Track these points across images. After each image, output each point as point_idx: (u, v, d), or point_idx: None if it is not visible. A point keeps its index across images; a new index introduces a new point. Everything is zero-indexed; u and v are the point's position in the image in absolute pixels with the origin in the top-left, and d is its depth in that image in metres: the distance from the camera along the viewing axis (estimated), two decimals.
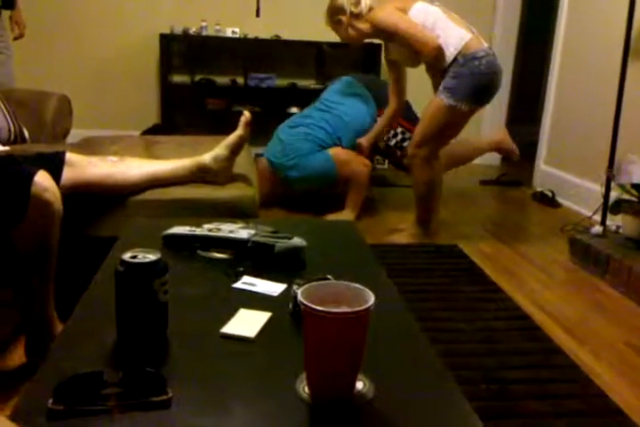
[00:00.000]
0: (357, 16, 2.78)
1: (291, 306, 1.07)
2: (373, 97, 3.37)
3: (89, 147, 2.25)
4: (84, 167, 1.79)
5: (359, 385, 0.86)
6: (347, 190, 3.17)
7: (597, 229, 2.75)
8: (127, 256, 0.94)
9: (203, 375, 0.88)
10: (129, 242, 1.35)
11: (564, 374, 1.75)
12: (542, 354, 1.86)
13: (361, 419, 0.81)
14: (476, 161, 3.96)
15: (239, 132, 1.96)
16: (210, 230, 1.36)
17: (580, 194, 3.50)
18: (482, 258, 2.71)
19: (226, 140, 1.96)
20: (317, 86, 4.35)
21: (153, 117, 4.34)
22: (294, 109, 4.18)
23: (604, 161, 2.87)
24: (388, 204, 3.55)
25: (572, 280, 2.55)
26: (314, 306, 0.79)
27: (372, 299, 0.82)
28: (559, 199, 3.66)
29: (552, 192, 3.71)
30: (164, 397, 0.80)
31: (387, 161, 4.40)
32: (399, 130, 3.56)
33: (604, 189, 2.84)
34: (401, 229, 2.97)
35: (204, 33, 4.15)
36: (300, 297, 0.81)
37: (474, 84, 2.59)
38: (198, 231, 1.36)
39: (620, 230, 2.68)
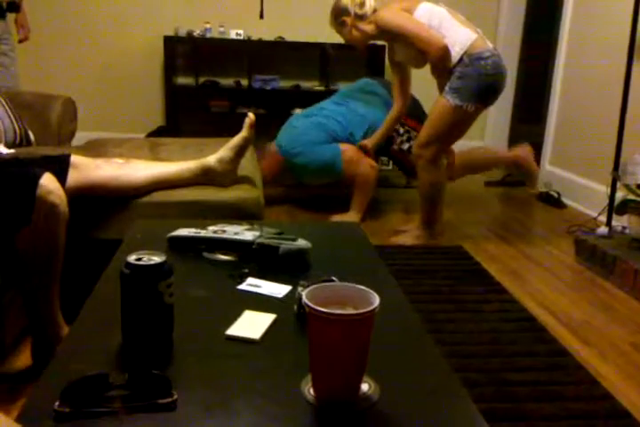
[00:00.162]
0: (362, 17, 2.78)
1: (295, 308, 1.06)
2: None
3: (94, 149, 2.26)
4: (89, 170, 1.79)
5: (364, 387, 0.86)
6: (352, 192, 3.17)
7: (603, 229, 2.74)
8: (132, 258, 0.94)
9: (208, 377, 0.88)
10: (134, 244, 1.35)
11: (569, 375, 1.74)
12: (548, 356, 1.85)
13: (366, 421, 0.81)
14: None
15: (243, 133, 1.96)
16: (215, 232, 1.36)
17: (586, 194, 3.48)
18: (487, 259, 2.71)
19: (230, 142, 1.96)
20: (321, 88, 4.35)
21: (157, 120, 4.35)
22: (298, 111, 4.18)
23: (609, 161, 2.86)
24: (393, 205, 3.55)
25: (578, 281, 2.54)
26: (318, 308, 0.79)
27: (376, 300, 0.82)
28: (565, 200, 3.65)
29: (557, 193, 3.70)
30: (170, 399, 0.80)
31: (391, 162, 4.40)
32: (413, 134, 3.53)
33: (609, 190, 2.84)
34: (405, 231, 2.96)
35: (208, 35, 4.16)
36: (304, 299, 0.81)
37: (479, 84, 2.59)
38: (203, 233, 1.36)
39: (626, 231, 2.67)
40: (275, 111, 4.31)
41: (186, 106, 4.29)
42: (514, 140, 4.66)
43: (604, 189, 2.96)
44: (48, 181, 1.53)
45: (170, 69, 4.18)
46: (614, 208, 2.72)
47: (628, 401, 1.63)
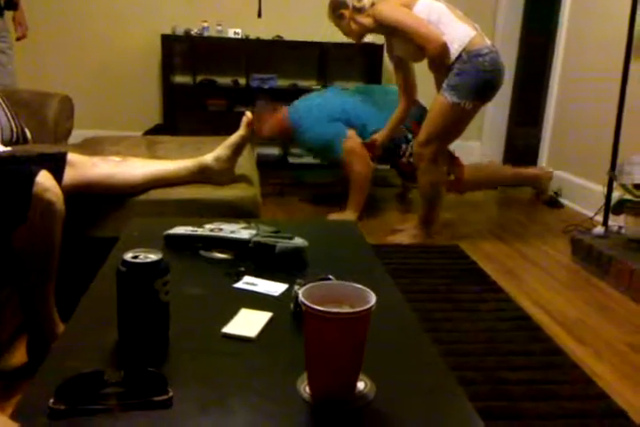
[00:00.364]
0: (360, 10, 2.77)
1: (292, 306, 1.07)
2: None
3: (91, 147, 2.25)
4: (85, 167, 1.79)
5: (360, 385, 0.86)
6: (348, 190, 3.18)
7: (599, 229, 2.75)
8: (129, 256, 0.94)
9: (204, 375, 0.88)
10: (130, 242, 1.35)
11: (565, 374, 1.74)
12: (543, 355, 1.85)
13: (362, 419, 0.81)
14: (477, 161, 3.96)
15: (241, 132, 1.96)
16: (211, 230, 1.36)
17: (583, 194, 3.49)
18: (483, 258, 2.71)
19: (228, 141, 1.96)
20: (318, 87, 4.35)
21: (155, 118, 4.34)
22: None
23: (606, 162, 2.87)
24: (390, 204, 3.55)
25: (574, 281, 2.55)
26: (315, 306, 0.79)
27: (373, 299, 0.82)
28: (562, 200, 3.66)
29: (555, 193, 3.71)
30: (165, 396, 0.80)
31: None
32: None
33: (606, 190, 2.84)
34: (402, 230, 2.97)
35: (206, 34, 4.16)
36: (301, 297, 0.81)
37: (477, 81, 2.59)
38: (200, 231, 1.36)
39: (622, 231, 2.67)
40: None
41: (183, 104, 4.28)
42: (511, 141, 4.66)
43: (600, 189, 2.97)
44: (44, 178, 1.53)
45: (167, 68, 4.18)
46: (611, 208, 2.73)
47: (623, 400, 1.63)
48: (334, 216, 3.11)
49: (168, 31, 4.15)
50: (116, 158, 1.89)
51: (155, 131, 3.98)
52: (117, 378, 0.81)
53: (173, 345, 0.96)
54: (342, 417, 0.81)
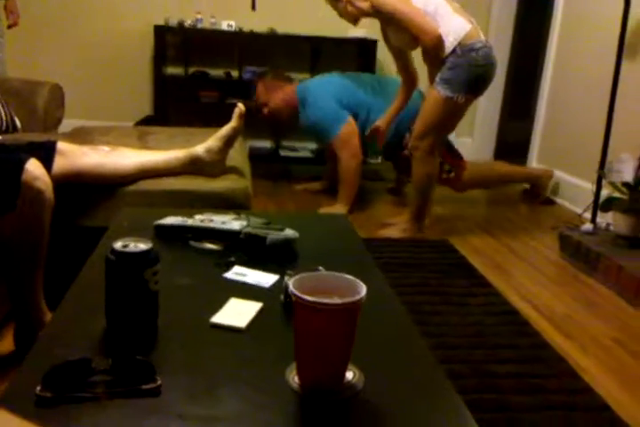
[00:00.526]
0: None
1: (282, 297, 1.07)
2: None
3: (81, 136, 2.24)
4: (75, 156, 1.78)
5: (349, 375, 0.86)
6: (338, 184, 3.18)
7: (588, 226, 2.76)
8: (118, 245, 0.93)
9: (192, 364, 0.88)
10: (120, 231, 1.34)
11: (551, 368, 1.76)
12: (530, 349, 1.87)
13: (350, 409, 0.81)
14: (468, 158, 3.97)
15: (233, 124, 1.95)
16: (202, 221, 1.36)
17: (573, 192, 3.51)
18: (472, 253, 2.72)
19: (219, 132, 1.95)
20: None
21: (146, 109, 4.31)
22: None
23: (596, 159, 2.88)
24: (380, 198, 3.56)
25: (562, 276, 2.57)
26: (305, 296, 0.79)
27: (363, 290, 0.82)
28: (552, 197, 3.67)
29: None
30: (153, 385, 0.80)
31: (381, 157, 4.40)
32: None
33: (595, 187, 2.86)
34: (393, 224, 2.97)
35: (199, 25, 4.13)
36: (291, 287, 0.81)
37: (469, 76, 2.60)
38: (190, 222, 1.36)
39: (611, 228, 2.69)
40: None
41: (175, 96, 4.26)
42: (502, 138, 4.68)
43: (590, 187, 2.98)
44: (34, 166, 1.52)
45: (160, 59, 4.15)
46: (599, 205, 2.75)
47: (607, 394, 1.65)
48: (325, 209, 3.12)
49: (161, 22, 4.12)
50: (107, 148, 1.88)
51: (145, 122, 3.95)
52: (105, 366, 0.81)
53: (162, 334, 0.95)
54: (330, 407, 0.81)
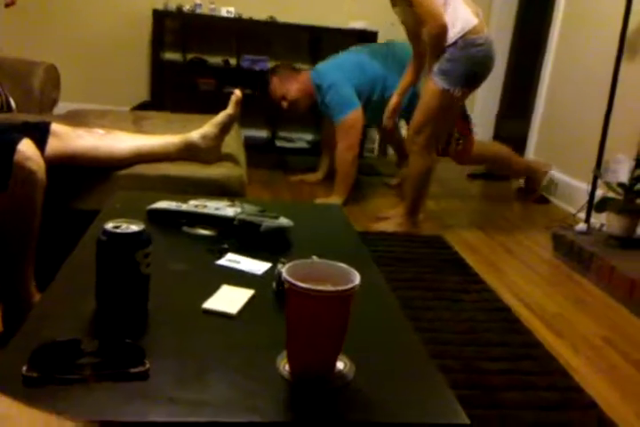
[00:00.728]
0: None
1: (274, 285, 1.05)
2: None
3: (76, 119, 2.21)
4: (69, 138, 1.75)
5: (340, 365, 0.85)
6: (335, 175, 3.18)
7: (582, 226, 2.76)
8: (110, 226, 0.92)
9: (182, 349, 0.86)
10: (112, 214, 1.32)
11: (541, 366, 1.75)
12: (522, 346, 1.86)
13: (340, 398, 0.80)
14: None
15: (229, 110, 1.93)
16: (196, 206, 1.34)
17: (568, 191, 3.51)
18: (466, 249, 2.72)
19: (215, 119, 1.93)
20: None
21: (142, 94, 4.27)
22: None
23: (592, 159, 2.88)
24: (376, 192, 3.54)
25: (555, 275, 2.56)
26: (298, 283, 0.78)
27: (357, 278, 0.81)
28: (547, 195, 3.67)
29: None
30: (142, 368, 0.78)
31: (376, 150, 4.39)
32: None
33: (590, 187, 2.86)
34: (387, 218, 2.96)
35: (198, 11, 4.09)
36: (284, 274, 0.80)
37: (467, 71, 2.59)
38: (184, 207, 1.34)
39: (604, 228, 2.69)
40: (262, 92, 4.25)
41: (172, 82, 4.22)
42: (499, 134, 4.67)
43: (585, 187, 2.98)
44: (26, 146, 1.49)
45: (157, 44, 4.11)
46: (594, 205, 2.74)
47: (596, 393, 1.65)
48: (320, 200, 3.10)
49: (160, 6, 4.07)
50: (102, 131, 1.85)
51: (141, 107, 3.92)
52: (93, 348, 0.79)
53: (153, 318, 0.94)
54: (320, 395, 0.80)
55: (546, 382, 1.67)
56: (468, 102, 2.76)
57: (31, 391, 0.74)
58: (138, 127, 2.20)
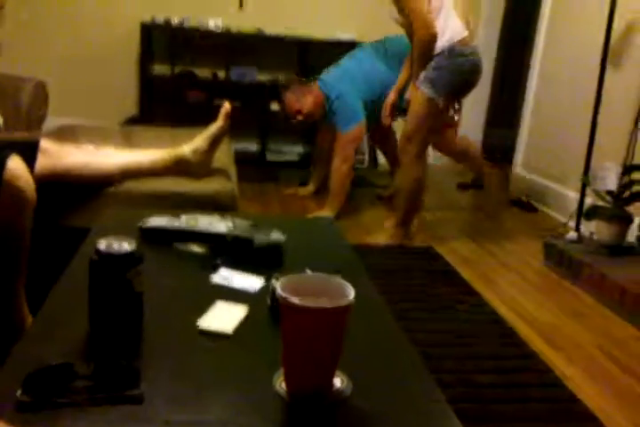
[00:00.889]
0: None
1: (269, 300, 1.05)
2: None
3: (65, 135, 2.20)
4: (59, 156, 1.74)
5: (337, 382, 0.84)
6: (328, 189, 3.18)
7: (572, 235, 2.77)
8: (102, 245, 0.91)
9: (178, 369, 0.85)
10: (104, 232, 1.31)
11: (537, 378, 1.75)
12: (516, 358, 1.86)
13: (338, 416, 0.79)
14: (451, 163, 3.99)
15: (219, 123, 1.93)
16: (188, 222, 1.33)
17: (557, 199, 3.53)
18: (457, 260, 2.72)
19: (205, 132, 1.93)
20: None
21: (131, 108, 4.27)
22: (275, 106, 4.14)
23: (580, 167, 2.90)
24: (367, 204, 3.55)
25: (547, 285, 2.57)
26: (294, 300, 0.77)
27: (352, 293, 0.81)
28: (536, 204, 3.69)
29: (526, 196, 3.73)
30: (137, 391, 0.77)
31: (366, 161, 4.40)
32: None
33: (579, 196, 2.87)
34: (379, 230, 2.96)
35: (186, 24, 4.10)
36: (279, 290, 0.80)
37: (452, 81, 2.61)
38: (176, 224, 1.34)
39: (594, 237, 2.70)
40: (251, 105, 4.26)
41: (161, 95, 4.22)
42: (487, 144, 4.69)
43: (573, 195, 3.00)
44: (16, 165, 1.48)
45: (146, 57, 4.11)
46: (583, 214, 2.76)
47: (592, 404, 1.64)
48: (312, 214, 3.10)
49: (148, 19, 4.08)
50: (91, 147, 1.84)
51: (131, 122, 3.91)
52: (87, 371, 0.78)
53: (147, 338, 0.93)
54: (318, 413, 0.79)
55: (542, 393, 1.66)
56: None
57: (26, 416, 0.73)
58: (128, 143, 2.19)
